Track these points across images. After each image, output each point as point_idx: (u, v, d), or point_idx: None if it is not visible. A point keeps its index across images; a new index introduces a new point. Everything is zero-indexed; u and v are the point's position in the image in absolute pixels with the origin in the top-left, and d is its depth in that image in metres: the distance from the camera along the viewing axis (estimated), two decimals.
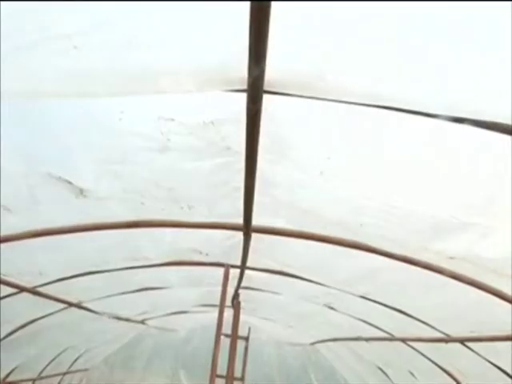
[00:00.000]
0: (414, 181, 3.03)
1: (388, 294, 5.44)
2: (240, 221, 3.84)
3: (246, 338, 9.67)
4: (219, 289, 5.25)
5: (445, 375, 7.41)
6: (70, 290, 6.51)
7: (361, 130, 2.69)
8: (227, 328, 6.94)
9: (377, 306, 5.88)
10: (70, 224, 4.06)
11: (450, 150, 2.70)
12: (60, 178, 3.22)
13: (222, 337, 5.67)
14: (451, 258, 3.57)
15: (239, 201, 3.42)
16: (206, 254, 5.02)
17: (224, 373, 6.84)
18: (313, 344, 12.54)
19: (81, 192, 3.34)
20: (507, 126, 2.22)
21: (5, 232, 4.13)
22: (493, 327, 5.02)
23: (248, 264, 5.15)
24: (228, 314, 6.86)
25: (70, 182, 3.25)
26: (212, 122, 2.54)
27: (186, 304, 9.43)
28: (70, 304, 7.11)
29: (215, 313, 5.27)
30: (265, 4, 1.60)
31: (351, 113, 2.48)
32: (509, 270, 3.61)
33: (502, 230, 3.18)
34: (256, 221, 3.84)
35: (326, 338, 10.71)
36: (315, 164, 2.98)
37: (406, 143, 2.74)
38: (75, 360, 11.20)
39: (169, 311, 10.32)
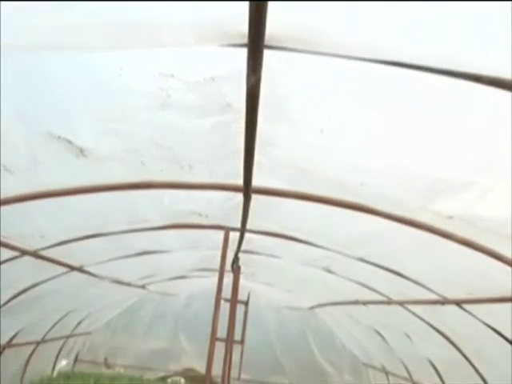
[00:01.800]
0: (414, 140, 3.02)
1: (387, 257, 5.48)
2: (240, 182, 3.85)
3: (246, 303, 9.79)
4: (219, 253, 5.28)
5: (440, 337, 7.53)
6: (72, 254, 6.56)
7: (362, 88, 2.67)
8: (227, 293, 7.02)
9: (375, 269, 5.93)
10: (71, 185, 4.07)
11: (448, 108, 2.69)
12: (60, 137, 3.21)
13: (222, 301, 5.74)
14: (450, 217, 3.59)
15: (239, 161, 3.42)
16: (206, 216, 5.04)
17: (224, 336, 6.94)
18: (311, 308, 12.71)
19: (81, 151, 3.34)
20: (507, 81, 2.20)
21: (5, 194, 4.14)
22: (490, 289, 5.07)
23: (248, 227, 5.17)
24: (228, 278, 6.94)
25: (69, 142, 3.25)
26: (212, 78, 2.52)
27: (186, 268, 9.52)
28: (72, 268, 7.17)
29: (215, 277, 5.32)
30: None
31: (353, 69, 2.47)
32: (508, 231, 3.63)
33: (502, 189, 3.19)
34: (256, 182, 3.84)
35: (325, 302, 10.84)
36: (315, 122, 2.98)
37: (407, 101, 2.73)
38: (78, 324, 11.37)
39: (169, 276, 10.42)
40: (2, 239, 5.26)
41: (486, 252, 4.21)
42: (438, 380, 8.92)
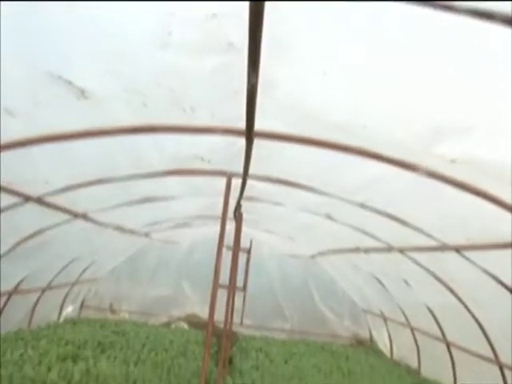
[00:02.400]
0: (417, 83, 3.00)
1: (387, 203, 5.52)
2: (242, 126, 3.84)
3: (248, 251, 9.97)
4: (221, 200, 5.31)
5: (439, 284, 7.67)
6: (75, 201, 6.62)
7: (366, 28, 2.63)
8: (229, 240, 7.12)
9: (376, 215, 5.99)
10: (73, 129, 4.07)
11: (450, 48, 2.66)
12: (60, 77, 3.20)
13: (225, 249, 5.82)
14: (453, 161, 3.60)
15: (241, 104, 3.41)
16: (208, 161, 5.04)
17: (226, 283, 7.07)
18: (313, 256, 12.89)
19: (82, 93, 3.33)
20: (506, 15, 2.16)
21: (8, 138, 4.15)
22: (489, 235, 5.13)
23: (250, 173, 5.18)
24: (230, 226, 7.01)
25: (70, 82, 3.23)
26: (214, 15, 2.49)
27: (189, 216, 9.59)
28: (76, 215, 7.25)
29: (217, 225, 5.36)
30: None
31: (357, 8, 2.43)
32: (509, 174, 3.65)
33: (504, 132, 3.19)
34: (258, 125, 3.84)
35: (326, 250, 10.99)
36: (318, 64, 2.95)
37: (411, 44, 2.69)
38: (83, 271, 11.57)
39: (172, 224, 10.53)
40: (6, 185, 5.30)
41: (487, 197, 4.24)
42: (435, 326, 9.14)
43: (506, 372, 7.33)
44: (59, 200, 6.33)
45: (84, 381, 6.46)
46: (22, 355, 7.43)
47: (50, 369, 6.84)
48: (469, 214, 4.81)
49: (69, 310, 12.52)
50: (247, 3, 2.34)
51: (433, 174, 4.09)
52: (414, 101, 3.13)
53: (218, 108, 3.61)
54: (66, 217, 7.11)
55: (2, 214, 5.93)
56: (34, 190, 5.71)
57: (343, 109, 3.33)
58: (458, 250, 5.94)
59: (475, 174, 3.85)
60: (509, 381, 7.33)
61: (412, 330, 10.43)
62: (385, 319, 11.93)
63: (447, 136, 3.31)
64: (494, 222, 4.75)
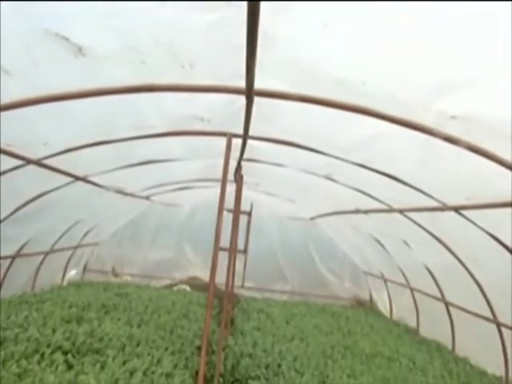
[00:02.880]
0: (417, 38, 2.96)
1: (387, 163, 5.51)
2: (242, 84, 3.80)
3: (249, 213, 10.01)
4: (222, 161, 5.29)
5: (438, 244, 7.72)
6: (76, 163, 6.61)
7: None
8: (230, 203, 7.13)
9: (376, 175, 5.98)
10: (72, 89, 4.04)
11: (451, 4, 2.62)
12: (57, 34, 3.15)
13: (225, 212, 5.82)
14: (453, 117, 3.58)
15: (241, 61, 3.36)
16: (209, 122, 5.01)
17: (227, 246, 7.11)
18: (313, 218, 12.96)
19: (79, 50, 3.29)
20: None
21: (6, 99, 4.12)
22: (489, 194, 5.14)
23: (250, 133, 5.15)
24: (230, 188, 7.01)
25: (67, 39, 3.19)
26: None
27: (190, 178, 9.60)
28: (77, 178, 7.26)
29: (218, 188, 5.34)
30: None
31: None
32: (509, 132, 3.64)
33: (505, 89, 3.16)
34: (258, 84, 3.79)
35: (326, 211, 11.03)
36: (318, 16, 2.90)
37: None
38: (85, 234, 11.65)
39: (172, 187, 10.54)
40: (6, 147, 5.29)
41: (487, 156, 4.23)
42: (434, 286, 9.24)
43: (504, 331, 7.44)
44: (59, 162, 6.32)
45: (88, 342, 6.55)
46: (26, 317, 7.53)
47: (54, 330, 6.93)
48: (469, 172, 4.80)
49: (72, 273, 12.65)
50: None
51: (432, 133, 4.07)
52: (414, 56, 3.10)
53: (218, 65, 3.56)
54: (66, 179, 7.11)
55: (3, 178, 5.93)
56: (33, 153, 5.70)
57: (343, 64, 3.29)
58: (457, 209, 5.96)
59: (475, 132, 3.83)
60: (506, 339, 7.45)
61: (411, 290, 10.55)
62: (385, 280, 12.07)
63: (448, 92, 3.28)
64: (493, 181, 4.75)
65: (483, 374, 7.45)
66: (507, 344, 7.42)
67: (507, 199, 4.88)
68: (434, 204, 6.22)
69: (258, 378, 6.19)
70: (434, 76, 3.24)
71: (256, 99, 4.10)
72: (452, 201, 5.89)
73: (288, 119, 4.80)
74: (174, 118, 4.99)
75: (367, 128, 4.45)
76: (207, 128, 5.29)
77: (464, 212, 6.01)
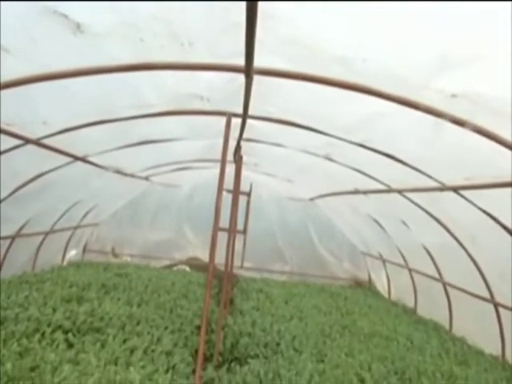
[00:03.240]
0: (418, 14, 2.94)
1: (386, 142, 5.50)
2: (241, 62, 3.78)
3: (248, 194, 10.00)
4: (221, 141, 5.27)
5: (437, 225, 7.75)
6: (75, 143, 6.60)
7: None
8: (229, 184, 7.13)
9: (375, 155, 5.98)
10: (71, 67, 4.02)
11: None
12: (56, 11, 3.13)
13: (225, 192, 5.81)
14: (453, 95, 3.56)
15: (240, 38, 3.33)
16: (208, 100, 4.99)
17: (227, 226, 7.13)
18: (312, 199, 12.97)
19: (77, 27, 3.26)
20: None
21: (6, 77, 4.10)
22: (488, 174, 5.14)
23: (250, 112, 5.12)
24: (230, 169, 7.00)
25: (65, 16, 3.16)
26: None
27: (189, 158, 9.59)
28: (76, 158, 7.25)
29: (217, 168, 5.33)
30: None
31: None
32: (508, 110, 3.62)
33: (506, 67, 3.15)
34: (258, 62, 3.77)
35: (325, 192, 11.05)
36: None
37: None
38: (85, 215, 11.67)
39: (172, 167, 10.53)
40: (5, 127, 5.28)
41: (487, 135, 4.22)
42: (432, 267, 9.29)
43: (501, 311, 7.48)
44: (58, 142, 6.32)
45: (89, 321, 6.60)
46: (27, 297, 7.57)
47: (55, 310, 6.98)
48: (469, 152, 4.80)
49: (72, 253, 12.71)
50: None
51: (432, 112, 4.06)
52: (414, 33, 3.08)
53: (217, 42, 3.53)
54: (65, 159, 7.11)
55: (2, 157, 5.93)
56: (32, 132, 5.69)
57: (343, 41, 3.27)
58: (456, 189, 5.96)
59: (475, 111, 3.82)
60: (503, 320, 7.50)
61: (410, 271, 10.60)
62: (383, 261, 12.12)
63: (448, 69, 3.27)
64: (493, 161, 4.75)
65: (480, 353, 7.52)
66: (504, 324, 7.48)
67: (507, 179, 4.89)
68: (433, 184, 6.22)
69: (257, 356, 6.24)
70: (434, 54, 3.22)
71: (255, 78, 4.08)
72: (451, 181, 5.89)
73: (287, 98, 4.78)
74: (173, 97, 4.96)
75: (367, 107, 4.44)
76: (206, 107, 5.27)
77: (463, 192, 6.02)
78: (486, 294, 7.67)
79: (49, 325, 6.29)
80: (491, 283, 7.54)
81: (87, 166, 7.88)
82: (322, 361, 6.17)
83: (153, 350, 5.86)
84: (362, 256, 13.60)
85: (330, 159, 7.00)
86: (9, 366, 4.69)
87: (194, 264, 13.54)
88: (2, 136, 5.40)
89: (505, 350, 7.43)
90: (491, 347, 7.57)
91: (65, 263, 12.06)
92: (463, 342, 8.06)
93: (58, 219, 10.27)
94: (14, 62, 3.89)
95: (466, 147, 4.71)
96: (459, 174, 5.53)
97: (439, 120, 4.14)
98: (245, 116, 5.18)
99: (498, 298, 7.46)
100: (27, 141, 5.83)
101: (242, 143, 6.83)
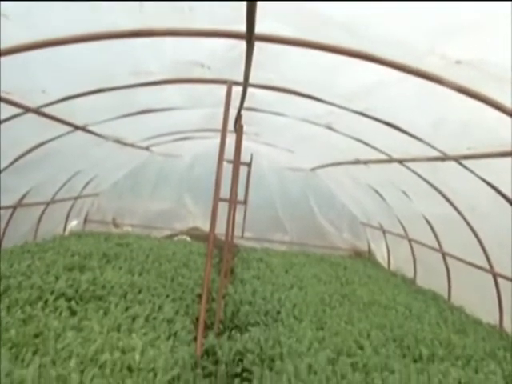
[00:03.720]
0: None
1: (388, 111, 5.46)
2: (243, 28, 3.72)
3: (249, 164, 9.98)
4: (222, 110, 5.23)
5: (437, 195, 7.75)
6: (75, 112, 6.57)
7: None
8: (230, 155, 7.11)
9: (377, 125, 5.95)
10: (70, 33, 3.96)
11: None
12: None
13: (225, 162, 5.79)
14: (457, 62, 3.52)
15: (242, 5, 3.28)
16: (209, 68, 4.94)
17: (227, 197, 7.13)
18: (313, 169, 12.96)
19: None
20: None
21: (5, 44, 4.05)
22: (490, 143, 5.11)
23: (251, 80, 5.07)
24: (230, 139, 6.95)
25: None
26: None
27: (189, 128, 9.55)
28: (76, 127, 7.22)
29: (218, 138, 5.29)
30: None
31: None
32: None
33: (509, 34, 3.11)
34: (259, 28, 3.71)
35: (326, 162, 11.03)
36: None
37: None
38: (85, 185, 11.67)
39: (172, 137, 10.49)
40: (5, 95, 5.24)
41: (490, 103, 4.19)
42: (432, 237, 9.33)
43: (500, 281, 7.54)
44: (58, 112, 6.28)
45: (91, 289, 6.66)
46: (29, 266, 7.62)
47: (57, 278, 7.03)
48: (471, 121, 4.77)
49: (73, 223, 12.76)
50: None
51: (434, 79, 4.02)
52: None
53: (218, 8, 3.47)
54: (65, 129, 7.08)
55: (2, 126, 5.90)
56: (32, 101, 5.65)
57: (346, 7, 3.21)
58: (457, 159, 5.95)
59: (479, 78, 3.78)
60: (501, 290, 7.56)
61: (409, 241, 10.66)
62: (383, 231, 12.17)
63: (452, 35, 3.23)
64: (495, 130, 4.73)
65: (478, 322, 7.60)
66: (502, 294, 7.54)
67: (508, 148, 4.87)
68: (435, 154, 6.20)
69: (258, 324, 6.31)
70: (438, 20, 3.17)
71: (257, 45, 4.03)
72: (453, 150, 5.87)
73: (289, 66, 4.73)
74: (173, 65, 4.91)
75: (369, 74, 4.40)
76: (207, 75, 5.22)
77: (465, 162, 6.00)
78: (485, 264, 7.71)
79: (52, 293, 6.35)
80: (490, 253, 7.58)
81: (87, 135, 7.85)
82: (322, 328, 6.24)
83: (154, 318, 5.92)
84: (362, 226, 13.65)
85: (331, 128, 6.96)
86: (13, 332, 4.75)
87: (195, 234, 13.61)
88: (2, 105, 5.36)
89: (502, 320, 7.52)
90: (489, 317, 7.65)
91: (66, 233, 12.11)
92: (461, 312, 8.14)
93: (59, 189, 10.28)
94: (13, 29, 3.85)
95: (470, 116, 4.68)
96: (461, 144, 5.51)
97: (443, 88, 4.10)
98: (245, 84, 5.13)
99: (497, 268, 7.51)
100: (27, 109, 5.79)
101: (243, 112, 6.78)
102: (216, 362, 5.15)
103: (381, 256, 13.00)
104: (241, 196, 8.45)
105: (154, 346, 4.97)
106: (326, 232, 13.81)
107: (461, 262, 8.46)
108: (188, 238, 13.55)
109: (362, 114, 5.64)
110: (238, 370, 5.03)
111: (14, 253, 8.68)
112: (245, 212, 10.93)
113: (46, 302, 5.99)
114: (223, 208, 6.50)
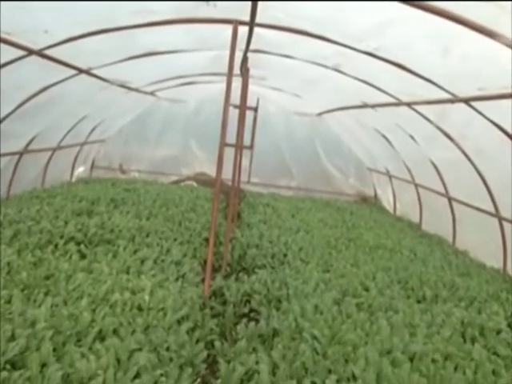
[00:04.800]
0: None
1: (398, 50, 5.32)
2: None
3: (255, 109, 9.86)
4: (227, 53, 5.12)
5: (445, 139, 7.68)
6: (79, 55, 6.47)
7: None
8: (236, 100, 7.01)
9: (385, 66, 5.82)
10: None
11: None
12: None
13: (232, 107, 5.70)
14: None
15: None
16: (214, 5, 4.79)
17: (234, 142, 7.08)
18: (319, 114, 12.83)
19: None
20: None
21: None
22: (502, 85, 5.00)
23: (258, 20, 4.92)
24: (237, 83, 6.83)
25: None
26: None
27: (195, 72, 9.39)
28: (80, 70, 7.12)
29: (224, 83, 5.19)
30: None
31: None
32: None
33: None
34: None
35: (333, 107, 10.90)
36: None
37: None
38: (91, 131, 11.62)
39: (177, 82, 10.35)
40: (5, 36, 5.13)
41: (504, 42, 4.07)
42: (439, 182, 9.31)
43: (505, 225, 7.55)
44: (62, 55, 6.19)
45: (99, 233, 6.75)
46: (38, 211, 7.70)
47: (66, 223, 7.12)
48: (484, 61, 4.65)
49: (80, 170, 12.80)
50: None
51: (445, 14, 3.88)
52: None
53: None
54: (69, 72, 6.98)
55: (6, 69, 5.82)
56: (34, 42, 5.55)
57: None
58: (467, 101, 5.85)
59: (495, 16, 3.65)
60: (506, 234, 7.58)
61: (416, 186, 10.64)
62: (390, 177, 12.15)
63: None
64: (507, 71, 4.61)
65: (482, 266, 7.68)
66: (507, 238, 7.56)
67: None
68: (445, 96, 6.09)
69: (265, 266, 6.41)
70: None
71: None
72: (463, 92, 5.76)
73: (297, 3, 4.57)
74: (177, 3, 4.77)
75: (380, 12, 4.26)
76: (213, 13, 5.07)
77: (474, 104, 5.90)
78: (491, 209, 7.72)
79: (61, 237, 6.44)
80: (497, 197, 7.57)
81: (92, 79, 7.75)
82: (328, 271, 6.33)
83: (162, 261, 6.02)
84: (369, 172, 13.63)
85: (339, 71, 6.82)
86: (24, 274, 4.85)
87: (202, 179, 13.64)
88: (4, 47, 5.27)
89: (506, 264, 7.57)
90: (493, 261, 7.71)
91: (73, 180, 12.17)
92: (466, 256, 8.22)
93: (65, 135, 10.25)
94: None
95: (482, 56, 4.57)
96: (472, 85, 5.39)
97: (455, 26, 3.98)
98: (252, 24, 4.99)
99: (503, 213, 7.51)
100: (30, 52, 5.70)
101: (249, 54, 6.65)
102: (224, 303, 5.26)
103: (387, 201, 13.03)
104: (247, 141, 8.37)
105: (163, 287, 5.07)
106: (332, 177, 13.81)
107: (467, 206, 8.46)
108: (195, 184, 13.60)
109: (371, 54, 5.51)
110: (246, 310, 5.15)
111: (23, 198, 8.76)
112: (251, 157, 10.85)
113: (56, 245, 6.09)
114: (230, 153, 6.48)
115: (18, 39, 5.25)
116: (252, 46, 6.18)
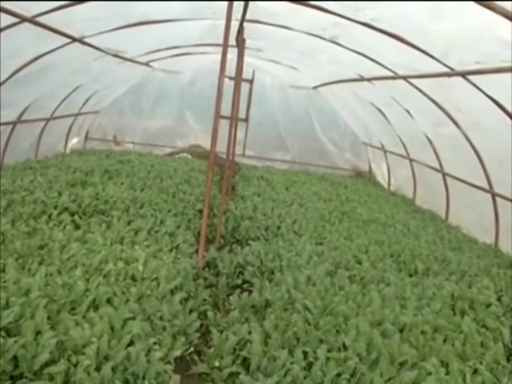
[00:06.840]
0: None
1: (396, 21, 5.24)
2: None
3: (251, 81, 9.78)
4: (223, 23, 5.04)
5: (441, 114, 7.65)
6: (72, 23, 6.37)
7: None
8: (232, 72, 6.93)
9: (383, 38, 5.75)
10: None
11: None
12: None
13: (227, 80, 5.63)
14: None
15: None
16: None
17: (229, 114, 7.04)
18: (315, 87, 12.73)
19: None
20: None
21: None
22: (500, 59, 4.96)
23: None
24: (232, 55, 6.74)
25: None
26: None
27: (190, 43, 9.27)
28: (74, 39, 7.01)
29: (219, 54, 5.11)
30: None
31: None
32: None
33: None
34: None
35: (329, 80, 10.82)
36: None
37: None
38: (85, 101, 11.51)
39: (172, 52, 10.22)
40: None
41: (503, 13, 4.03)
42: (433, 157, 9.31)
43: (498, 201, 7.58)
44: (54, 22, 6.08)
45: (93, 204, 6.74)
46: (32, 182, 7.67)
47: (60, 193, 7.10)
48: (483, 33, 4.60)
49: (74, 141, 12.73)
50: None
51: None
52: None
53: None
54: (63, 40, 6.88)
55: None
56: (26, 9, 5.45)
57: None
58: (464, 75, 5.81)
59: None
60: (499, 210, 7.61)
61: (410, 161, 10.64)
62: (385, 151, 12.14)
63: None
64: (506, 44, 4.57)
65: (474, 241, 7.73)
66: (500, 214, 7.60)
67: None
68: (442, 70, 6.04)
69: (258, 238, 6.43)
70: None
71: None
72: (460, 65, 5.71)
73: None
74: None
75: None
76: None
77: (472, 78, 5.86)
78: (485, 185, 7.73)
79: (55, 207, 6.43)
80: (491, 173, 7.57)
81: (85, 48, 7.64)
82: (321, 243, 6.37)
83: (156, 231, 6.03)
84: (364, 146, 13.61)
85: (336, 43, 6.74)
86: (18, 244, 4.84)
87: (196, 152, 13.59)
88: None
89: (498, 239, 7.62)
90: (486, 237, 7.77)
91: (67, 151, 12.10)
92: (458, 231, 8.28)
93: (59, 105, 10.15)
94: None
95: (481, 28, 4.51)
96: (470, 58, 5.33)
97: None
98: None
99: (497, 189, 7.53)
100: (22, 19, 5.61)
101: (245, 25, 6.56)
102: (217, 274, 5.30)
103: (381, 176, 13.05)
104: (242, 114, 8.32)
105: (157, 257, 5.09)
106: (327, 151, 13.79)
107: (461, 182, 8.47)
108: (189, 156, 13.55)
109: (368, 25, 5.43)
110: (239, 281, 5.19)
111: (16, 169, 8.71)
112: (246, 130, 10.84)
113: (49, 216, 6.08)
114: (225, 125, 6.44)
115: (10, 5, 5.16)
116: (248, 16, 6.09)
